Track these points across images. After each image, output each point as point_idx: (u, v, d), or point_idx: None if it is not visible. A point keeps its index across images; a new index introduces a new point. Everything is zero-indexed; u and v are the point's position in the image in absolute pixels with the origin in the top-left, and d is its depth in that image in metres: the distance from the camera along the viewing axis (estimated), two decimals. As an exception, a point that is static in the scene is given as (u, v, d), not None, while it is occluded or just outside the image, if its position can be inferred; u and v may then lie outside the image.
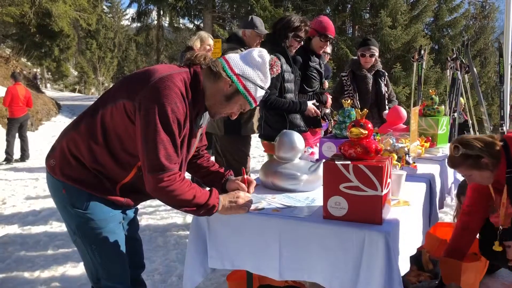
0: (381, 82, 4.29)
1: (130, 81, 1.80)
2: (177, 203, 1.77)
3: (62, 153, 1.84)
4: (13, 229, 4.59)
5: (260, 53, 1.85)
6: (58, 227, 4.59)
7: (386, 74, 4.39)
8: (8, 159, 8.69)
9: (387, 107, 4.29)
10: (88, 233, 1.86)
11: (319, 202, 2.05)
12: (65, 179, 1.81)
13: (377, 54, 4.24)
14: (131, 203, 1.93)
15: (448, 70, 6.57)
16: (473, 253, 2.83)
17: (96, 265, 1.93)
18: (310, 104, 3.47)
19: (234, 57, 1.85)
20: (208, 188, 1.89)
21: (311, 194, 2.19)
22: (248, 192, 2.07)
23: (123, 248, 1.95)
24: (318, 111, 3.56)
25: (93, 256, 1.90)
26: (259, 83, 1.84)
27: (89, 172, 1.80)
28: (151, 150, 1.67)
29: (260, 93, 1.87)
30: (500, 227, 2.48)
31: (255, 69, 1.83)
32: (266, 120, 3.49)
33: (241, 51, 4.14)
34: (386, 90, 4.37)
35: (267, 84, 1.89)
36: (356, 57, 4.40)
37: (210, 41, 4.98)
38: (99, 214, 1.84)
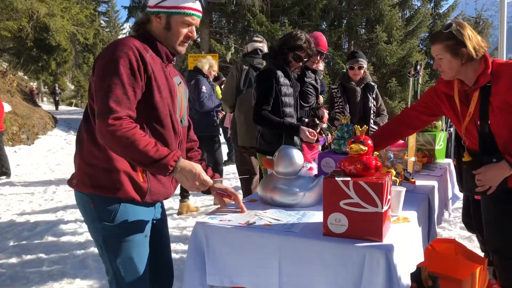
0: (369, 95, 4.31)
1: None
2: (125, 151, 1.69)
3: (80, 167, 1.88)
4: (8, 244, 4.54)
5: None
6: (54, 242, 4.55)
7: (376, 86, 4.41)
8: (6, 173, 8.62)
9: (372, 120, 4.30)
10: (114, 247, 1.88)
11: (310, 216, 2.06)
12: (91, 189, 1.84)
13: (365, 66, 4.27)
14: (156, 195, 1.93)
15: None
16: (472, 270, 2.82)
17: (119, 281, 1.93)
18: (305, 130, 3.25)
19: None
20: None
21: (301, 209, 2.19)
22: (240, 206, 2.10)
23: (146, 264, 1.96)
24: (315, 133, 3.37)
25: (117, 271, 1.91)
26: None
27: (109, 169, 1.81)
28: (99, 97, 1.70)
29: (191, 0, 1.88)
30: (464, 137, 2.50)
31: None
32: (262, 134, 3.43)
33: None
34: (375, 104, 4.39)
35: None
36: (345, 70, 4.44)
37: (216, 67, 5.60)
38: (125, 226, 1.87)
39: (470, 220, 3.34)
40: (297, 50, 3.24)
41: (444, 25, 2.35)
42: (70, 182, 1.94)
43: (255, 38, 4.52)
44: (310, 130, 3.29)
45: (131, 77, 1.72)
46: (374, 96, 4.37)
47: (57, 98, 29.29)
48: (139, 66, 1.74)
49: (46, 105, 27.32)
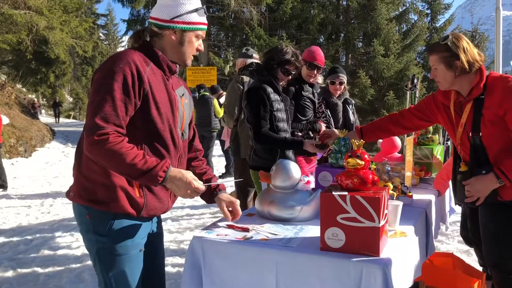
0: (349, 109, 4.36)
1: None
2: (113, 164, 1.70)
3: (78, 180, 1.89)
4: (4, 258, 4.51)
5: None
6: (50, 256, 4.51)
7: (353, 102, 4.48)
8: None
9: None
10: (107, 260, 1.87)
11: (308, 230, 2.06)
12: (87, 202, 1.84)
13: (345, 81, 4.31)
14: (152, 210, 1.92)
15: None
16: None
17: None
18: (311, 144, 3.17)
19: (156, 11, 1.89)
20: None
21: (299, 223, 2.19)
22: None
23: (139, 278, 1.95)
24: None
25: (109, 283, 1.90)
26: (191, 8, 1.88)
27: (106, 183, 1.81)
28: (89, 111, 1.71)
29: (201, 14, 1.91)
30: (459, 148, 2.51)
31: (178, 3, 1.86)
32: (255, 150, 3.36)
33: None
34: (353, 118, 4.45)
35: (194, 2, 1.90)
36: (324, 85, 4.46)
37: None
38: (120, 240, 1.86)
39: (468, 233, 3.33)
40: (285, 64, 3.22)
41: (442, 37, 2.39)
42: (67, 194, 1.95)
43: (247, 52, 4.54)
44: (312, 141, 3.28)
45: (124, 94, 1.72)
46: (352, 111, 4.43)
47: (58, 111, 29.17)
48: (134, 83, 1.74)
49: (45, 118, 27.32)
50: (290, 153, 3.36)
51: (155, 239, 2.09)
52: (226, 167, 9.17)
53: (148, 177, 1.72)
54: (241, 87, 4.26)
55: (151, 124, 1.82)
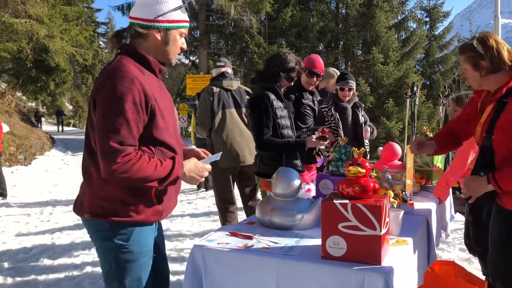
0: (358, 112, 4.36)
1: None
2: (136, 182, 1.76)
3: (92, 201, 1.88)
4: (4, 266, 4.49)
5: None
6: (50, 265, 4.49)
7: (363, 106, 4.49)
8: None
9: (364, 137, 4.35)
10: (125, 266, 1.90)
11: (309, 239, 2.06)
12: (106, 218, 1.85)
13: (355, 88, 4.32)
14: (168, 209, 2.00)
15: (440, 107, 6.67)
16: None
17: None
18: (312, 139, 3.26)
19: (138, 10, 1.87)
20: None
21: (300, 231, 2.18)
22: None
23: (150, 279, 2.00)
24: (324, 131, 3.35)
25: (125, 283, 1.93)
26: (172, 6, 1.87)
27: (124, 199, 1.84)
28: (102, 135, 1.71)
29: (183, 11, 1.91)
30: (477, 148, 2.46)
31: (160, 1, 1.85)
32: (261, 157, 3.40)
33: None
34: (363, 120, 4.45)
35: (175, 0, 1.90)
36: (334, 91, 4.47)
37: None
38: (137, 247, 1.91)
39: (471, 242, 3.32)
40: (290, 71, 3.26)
41: (472, 36, 2.38)
42: (82, 214, 1.93)
43: (219, 64, 4.59)
44: (311, 137, 3.29)
45: (135, 113, 1.73)
46: (362, 113, 4.43)
47: (61, 120, 29.07)
48: (141, 100, 1.75)
49: (45, 126, 27.34)
50: (297, 160, 3.36)
51: (158, 240, 2.12)
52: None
53: (171, 179, 1.81)
54: (211, 98, 4.30)
55: (158, 132, 1.85)
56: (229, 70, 4.51)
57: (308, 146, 3.25)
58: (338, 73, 4.87)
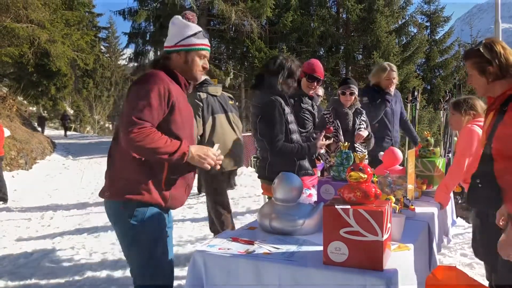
0: (356, 119, 4.36)
1: None
2: (148, 152, 2.05)
3: (112, 181, 2.23)
4: (4, 271, 4.48)
5: (172, 20, 2.37)
6: (51, 269, 4.49)
7: (364, 112, 4.47)
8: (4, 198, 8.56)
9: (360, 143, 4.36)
10: (141, 244, 2.19)
11: (310, 244, 2.06)
12: (123, 198, 2.16)
13: (356, 92, 4.32)
14: (175, 201, 2.28)
15: (441, 111, 6.68)
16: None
17: (146, 276, 2.21)
18: (320, 140, 3.31)
19: (166, 41, 2.35)
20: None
21: (301, 237, 2.18)
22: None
23: (171, 250, 2.32)
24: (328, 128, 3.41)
25: (145, 264, 2.21)
26: (190, 33, 2.31)
27: (139, 180, 2.15)
28: (125, 113, 2.07)
29: (200, 37, 2.33)
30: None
31: (180, 31, 2.31)
32: (270, 163, 3.33)
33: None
34: (365, 127, 4.43)
35: (193, 28, 2.33)
36: (336, 97, 4.47)
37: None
38: (153, 226, 2.20)
39: (478, 246, 3.30)
40: (293, 75, 3.29)
41: (477, 41, 2.36)
42: (102, 194, 2.28)
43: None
44: (318, 135, 3.34)
45: (158, 102, 2.10)
46: (363, 119, 4.42)
47: (67, 124, 28.88)
48: (165, 94, 2.13)
49: (46, 130, 27.34)
50: (309, 165, 3.37)
51: (169, 232, 2.37)
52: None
53: (179, 153, 2.10)
54: (201, 104, 4.33)
55: (175, 126, 2.20)
56: (208, 77, 4.61)
57: (318, 147, 3.29)
58: (392, 66, 4.85)
